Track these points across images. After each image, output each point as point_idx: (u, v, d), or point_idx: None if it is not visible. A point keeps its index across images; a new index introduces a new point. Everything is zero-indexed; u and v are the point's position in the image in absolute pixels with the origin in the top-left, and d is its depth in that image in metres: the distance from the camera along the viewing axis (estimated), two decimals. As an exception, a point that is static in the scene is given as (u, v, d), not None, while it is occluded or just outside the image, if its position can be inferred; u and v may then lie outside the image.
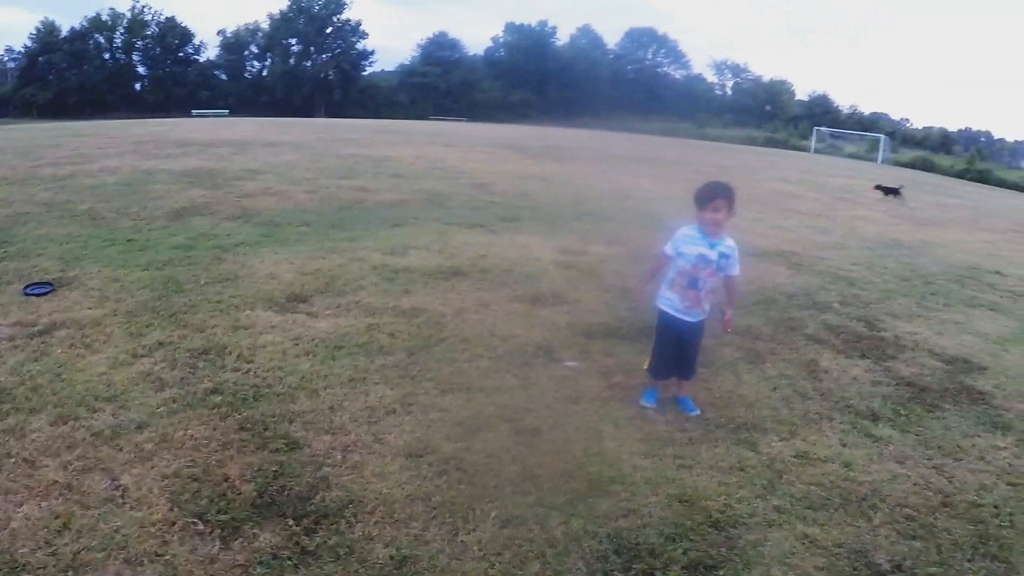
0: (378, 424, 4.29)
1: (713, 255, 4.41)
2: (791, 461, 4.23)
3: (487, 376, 5.07)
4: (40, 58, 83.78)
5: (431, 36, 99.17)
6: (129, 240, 8.73)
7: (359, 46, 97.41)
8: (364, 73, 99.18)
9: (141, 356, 5.12)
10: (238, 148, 21.11)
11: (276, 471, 3.72)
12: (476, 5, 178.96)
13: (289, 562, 3.08)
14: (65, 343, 5.41)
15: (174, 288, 6.65)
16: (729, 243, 4.45)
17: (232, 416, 4.24)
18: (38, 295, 6.76)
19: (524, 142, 32.24)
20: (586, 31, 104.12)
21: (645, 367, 4.88)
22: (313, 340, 5.47)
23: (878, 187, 21.16)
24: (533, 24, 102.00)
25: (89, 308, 6.14)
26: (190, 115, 61.99)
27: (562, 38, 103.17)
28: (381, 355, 5.30)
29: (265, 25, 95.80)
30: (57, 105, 74.47)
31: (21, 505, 3.47)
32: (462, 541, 3.28)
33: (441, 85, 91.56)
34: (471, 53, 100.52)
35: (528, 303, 6.72)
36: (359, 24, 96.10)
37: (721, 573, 3.23)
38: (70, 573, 3.00)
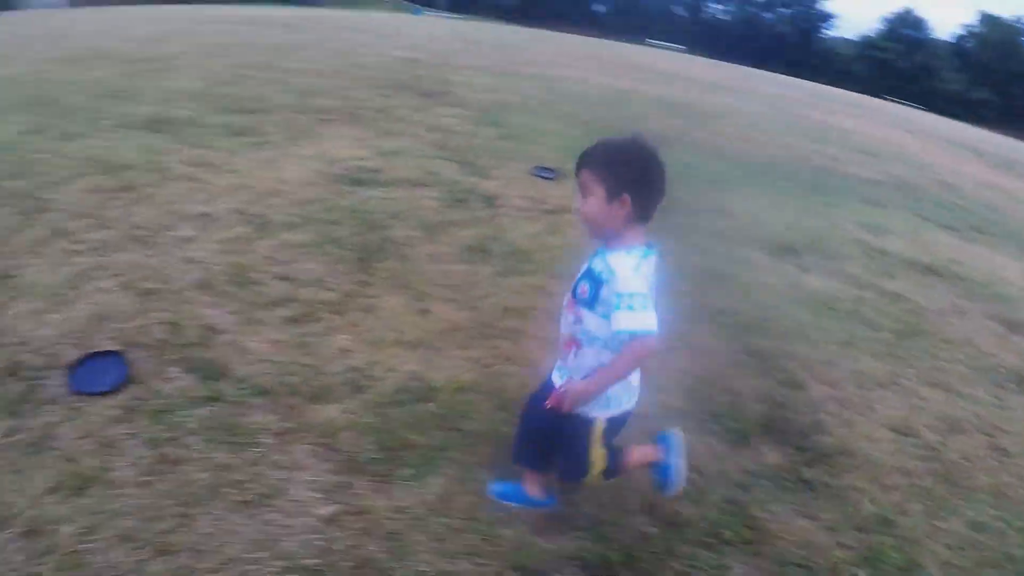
0: (869, 392, 4.41)
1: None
2: None
3: (965, 383, 4.91)
4: None
5: (898, 11, 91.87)
6: (620, 151, 9.42)
7: (820, 6, 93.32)
8: (822, 35, 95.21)
9: None
10: (705, 87, 21.58)
11: (780, 401, 4.01)
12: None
13: (788, 483, 3.39)
14: (573, 225, 6.19)
15: (672, 205, 7.07)
16: (615, 258, 2.38)
17: (738, 339, 4.61)
18: (544, 178, 7.57)
19: (984, 147, 29.31)
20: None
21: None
22: (807, 293, 5.64)
23: None
24: (1008, 17, 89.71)
25: (590, 204, 6.79)
26: (643, 43, 63.63)
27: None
28: (869, 328, 5.38)
29: None
30: (522, 10, 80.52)
31: (551, 354, 4.02)
32: (934, 525, 3.33)
33: (900, 64, 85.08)
34: (936, 37, 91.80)
35: (1003, 324, 6.30)
36: None
37: None
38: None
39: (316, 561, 2.60)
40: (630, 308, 2.22)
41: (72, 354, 3.67)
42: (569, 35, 49.10)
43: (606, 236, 2.41)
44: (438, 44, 24.44)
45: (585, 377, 2.48)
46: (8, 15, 31.62)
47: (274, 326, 4.14)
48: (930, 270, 7.31)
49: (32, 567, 2.43)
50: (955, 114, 60.42)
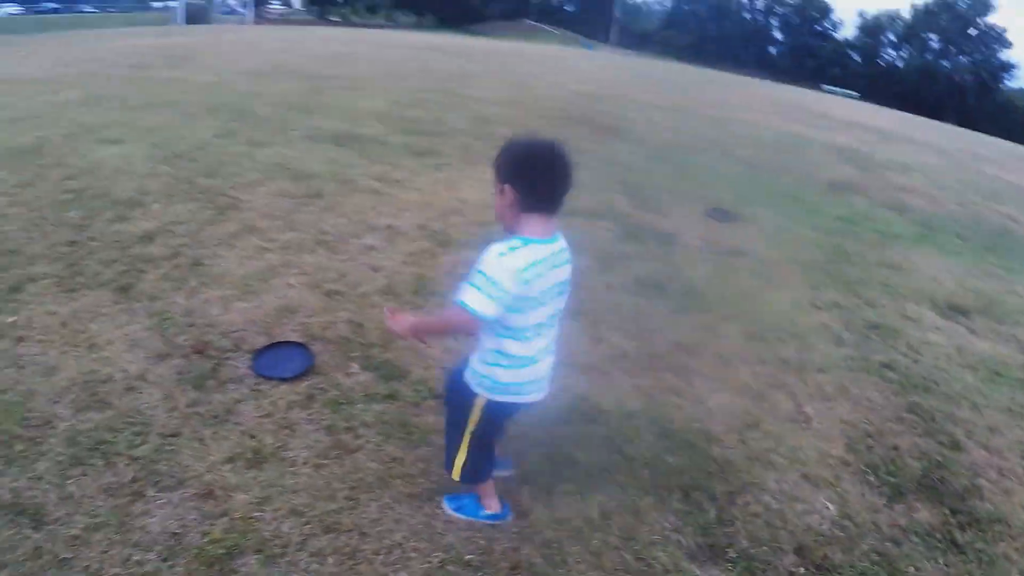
0: (1033, 462, 4.29)
1: None
2: None
3: None
4: (685, 6, 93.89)
5: None
6: (794, 198, 9.51)
7: (1001, 55, 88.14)
8: (1002, 86, 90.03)
9: (819, 308, 5.82)
10: (880, 136, 21.03)
11: (939, 462, 4.01)
12: None
13: (939, 545, 3.38)
14: (748, 269, 6.45)
15: (843, 257, 7.27)
16: (491, 246, 2.44)
17: (902, 396, 4.62)
18: (719, 220, 7.74)
19: None
20: None
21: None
22: (975, 356, 5.54)
23: None
24: None
25: (767, 247, 7.05)
26: (819, 88, 62.18)
27: None
28: (1042, 396, 5.20)
29: (906, 14, 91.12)
30: (695, 50, 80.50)
31: (715, 392, 4.33)
32: None
33: None
34: None
35: None
36: (1004, 31, 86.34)
37: None
38: (755, 464, 3.65)
39: (475, 558, 2.88)
40: (467, 281, 2.38)
41: (258, 340, 4.21)
42: (743, 77, 48.70)
43: (505, 227, 2.53)
44: (613, 79, 24.86)
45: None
46: (201, 28, 34.28)
47: (452, 337, 4.50)
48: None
49: (204, 526, 2.84)
50: None
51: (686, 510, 3.27)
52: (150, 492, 2.97)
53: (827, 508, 3.45)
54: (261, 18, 55.78)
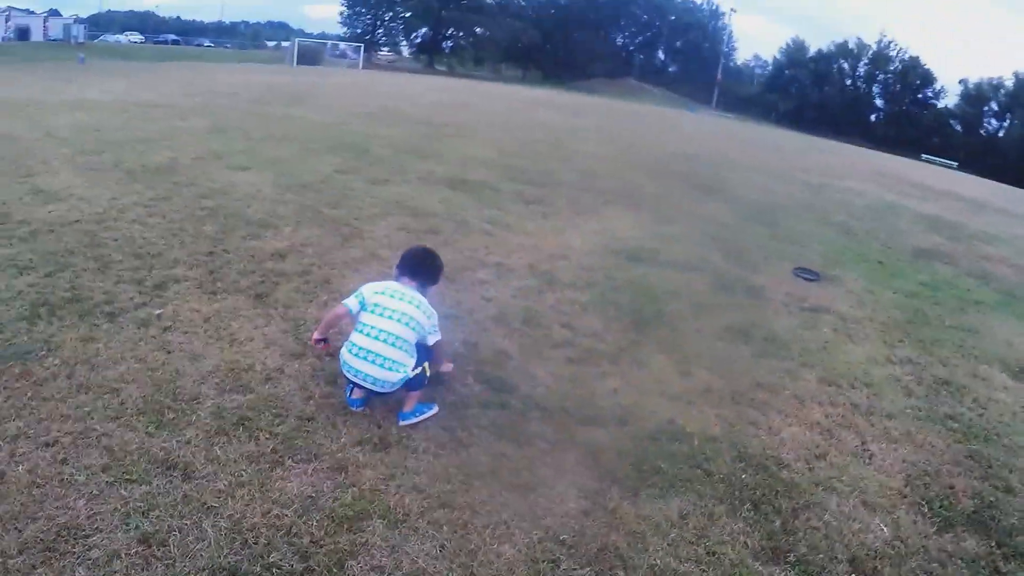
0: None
1: None
2: None
3: None
4: (786, 71, 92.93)
5: None
6: (879, 262, 9.95)
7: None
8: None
9: (892, 363, 6.25)
10: (972, 206, 20.99)
11: (992, 502, 4.40)
12: None
13: (982, 571, 3.78)
14: (829, 325, 6.89)
15: (921, 318, 7.63)
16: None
17: (963, 443, 5.02)
18: (805, 279, 8.24)
19: None
20: None
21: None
22: (1038, 416, 5.91)
23: None
24: None
25: (849, 306, 7.51)
26: (919, 158, 61.13)
27: None
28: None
29: (1009, 83, 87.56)
30: (795, 116, 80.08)
31: (789, 426, 4.85)
32: None
33: None
34: None
35: None
36: None
37: None
38: (819, 488, 4.16)
39: (568, 537, 3.42)
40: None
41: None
42: (842, 144, 48.50)
43: None
44: (713, 141, 25.42)
45: None
46: (316, 68, 36.09)
47: (556, 362, 5.17)
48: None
49: (336, 493, 3.44)
50: None
51: (754, 519, 3.77)
52: (288, 462, 3.61)
53: (881, 530, 3.89)
54: (370, 63, 57.93)
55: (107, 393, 3.95)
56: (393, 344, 4.01)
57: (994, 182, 47.06)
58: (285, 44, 57.32)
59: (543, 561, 3.23)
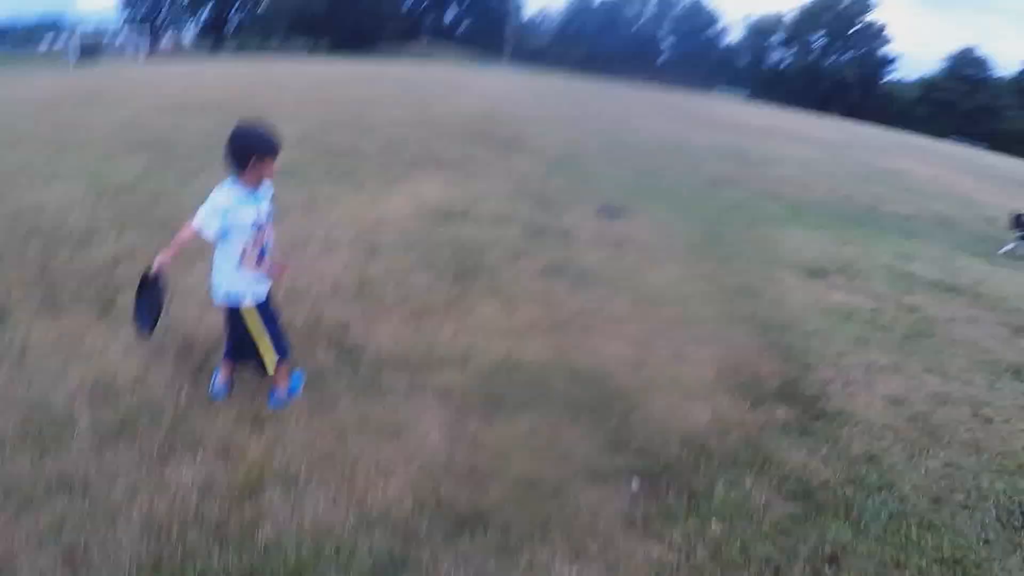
0: (873, 376, 5.42)
1: (264, 211, 3.84)
2: None
3: (962, 371, 5.82)
4: (573, 22, 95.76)
5: (958, 50, 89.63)
6: (676, 193, 10.76)
7: (882, 50, 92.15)
8: (883, 80, 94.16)
9: (695, 279, 6.99)
10: (760, 134, 22.63)
11: (795, 378, 5.10)
12: (1017, 15, 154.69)
13: (794, 431, 4.43)
14: (635, 253, 7.50)
15: (717, 238, 8.48)
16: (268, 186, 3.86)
17: (764, 335, 5.72)
18: (607, 215, 8.86)
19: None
20: None
21: (270, 369, 4.12)
22: (829, 304, 6.73)
23: None
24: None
25: (651, 235, 8.13)
26: (712, 92, 63.69)
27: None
28: (882, 331, 6.38)
29: (791, 16, 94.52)
30: (586, 63, 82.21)
31: (610, 343, 5.38)
32: (913, 462, 4.31)
33: (963, 105, 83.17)
34: (999, 75, 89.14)
35: (1012, 329, 7.06)
36: (884, 27, 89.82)
37: None
38: (644, 390, 4.68)
39: (441, 465, 3.73)
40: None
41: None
42: (635, 88, 50.59)
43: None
44: (507, 97, 26.05)
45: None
46: (96, 67, 33.92)
47: (394, 320, 5.41)
48: (951, 289, 8.23)
49: (229, 472, 3.54)
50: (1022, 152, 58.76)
51: (594, 422, 4.22)
52: (176, 455, 3.65)
53: (705, 413, 4.47)
54: (153, 54, 54.67)
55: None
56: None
57: (781, 109, 50.58)
58: (61, 40, 52.21)
59: (425, 489, 3.51)
